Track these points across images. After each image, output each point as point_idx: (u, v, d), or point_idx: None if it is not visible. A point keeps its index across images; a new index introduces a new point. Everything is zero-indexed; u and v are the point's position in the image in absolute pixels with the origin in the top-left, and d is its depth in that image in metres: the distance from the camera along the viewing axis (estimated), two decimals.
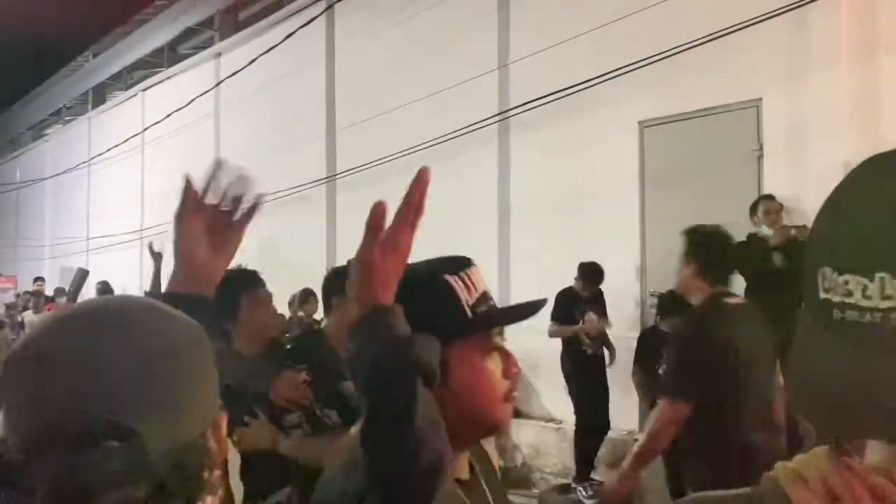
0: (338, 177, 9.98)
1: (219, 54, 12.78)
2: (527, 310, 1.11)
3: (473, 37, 8.05)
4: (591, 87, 6.48)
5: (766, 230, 5.36)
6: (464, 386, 1.03)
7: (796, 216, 5.45)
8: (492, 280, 6.93)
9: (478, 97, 7.82)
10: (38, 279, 13.83)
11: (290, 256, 10.74)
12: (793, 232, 5.20)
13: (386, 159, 8.77)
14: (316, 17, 9.68)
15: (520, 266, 7.65)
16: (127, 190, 15.35)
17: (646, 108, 6.47)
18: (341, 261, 10.01)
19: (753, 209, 5.47)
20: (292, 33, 9.49)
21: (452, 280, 1.07)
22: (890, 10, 5.12)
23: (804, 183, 5.50)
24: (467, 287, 1.07)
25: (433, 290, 1.06)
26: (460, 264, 1.10)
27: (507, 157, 7.84)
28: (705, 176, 6.05)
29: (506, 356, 1.09)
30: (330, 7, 9.88)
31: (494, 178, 7.88)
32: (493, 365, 1.07)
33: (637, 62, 6.06)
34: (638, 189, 6.56)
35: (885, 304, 0.61)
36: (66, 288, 12.78)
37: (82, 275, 12.34)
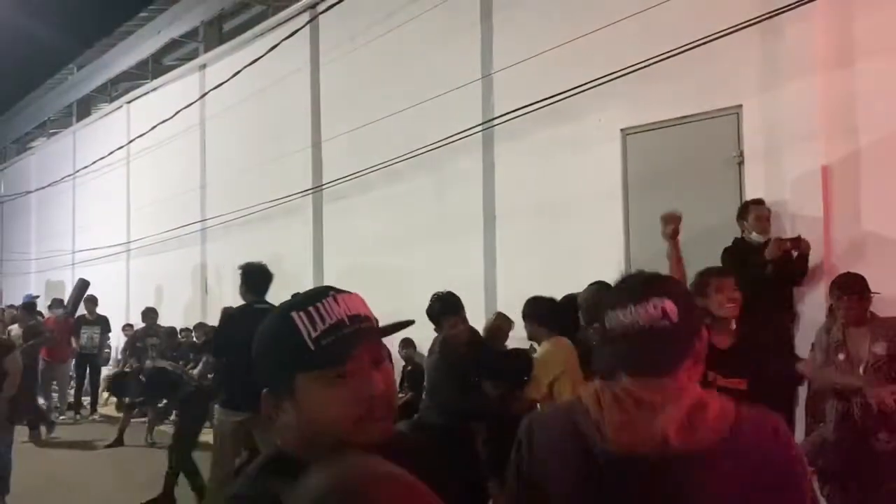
0: (324, 187, 10.00)
1: (203, 66, 12.79)
2: (382, 331, 1.20)
3: (457, 47, 8.12)
4: (573, 95, 6.55)
5: (755, 236, 5.39)
6: (309, 413, 1.11)
7: (776, 221, 5.53)
8: (478, 288, 6.99)
9: (462, 107, 7.88)
10: (32, 296, 13.77)
11: (276, 267, 10.74)
12: (787, 245, 5.24)
13: (372, 169, 8.81)
14: (300, 29, 9.72)
15: (505, 273, 7.70)
16: (113, 202, 15.30)
17: (628, 115, 6.54)
18: (328, 271, 10.04)
19: (742, 214, 5.50)
20: (277, 45, 9.53)
21: (296, 315, 1.13)
22: (863, 19, 5.22)
23: (783, 188, 5.59)
24: (312, 320, 1.12)
25: (277, 328, 1.15)
26: (313, 297, 1.16)
27: (492, 166, 7.89)
28: (687, 182, 6.13)
29: (360, 380, 1.12)
30: (314, 19, 9.93)
31: (479, 187, 7.92)
32: (343, 391, 1.10)
33: (619, 71, 6.14)
34: (621, 196, 6.63)
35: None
36: (65, 300, 12.72)
37: (81, 285, 12.27)
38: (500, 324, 5.32)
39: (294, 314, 1.13)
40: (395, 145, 8.44)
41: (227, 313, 6.16)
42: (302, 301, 1.16)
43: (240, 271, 5.69)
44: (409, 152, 8.24)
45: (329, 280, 10.03)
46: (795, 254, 5.27)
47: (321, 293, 1.16)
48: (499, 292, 7.70)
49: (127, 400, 7.76)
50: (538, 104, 6.85)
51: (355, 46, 9.42)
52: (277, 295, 10.30)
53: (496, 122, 7.59)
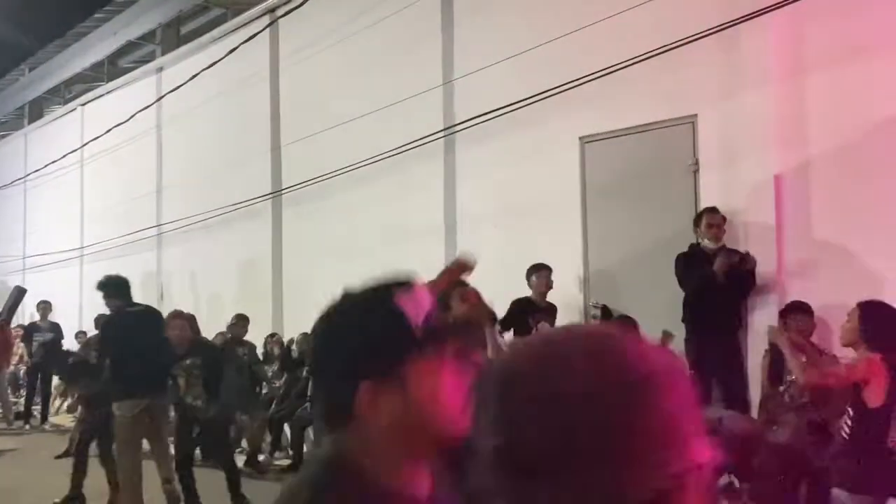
0: (284, 192, 9.91)
1: (161, 69, 12.60)
2: (463, 327, 1.21)
3: (419, 53, 8.13)
4: (534, 103, 6.60)
5: (707, 242, 5.50)
6: (420, 403, 1.07)
7: (731, 229, 5.63)
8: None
9: (424, 112, 7.88)
10: None
11: (236, 272, 10.61)
12: (735, 259, 5.36)
13: (332, 174, 8.76)
14: (259, 32, 9.64)
15: (467, 280, 7.69)
16: (66, 207, 14.96)
17: (586, 123, 6.61)
18: (288, 276, 9.94)
19: (697, 222, 5.62)
20: (236, 48, 9.43)
21: (404, 300, 1.11)
22: (815, 32, 5.35)
23: (738, 196, 5.70)
24: (417, 305, 1.11)
25: (384, 314, 1.10)
26: (408, 284, 1.14)
27: (453, 172, 7.90)
28: (644, 189, 6.21)
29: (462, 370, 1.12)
30: (274, 22, 9.85)
31: (441, 193, 7.93)
32: (448, 378, 1.10)
33: (578, 79, 6.20)
34: (580, 202, 6.69)
35: None
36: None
37: (17, 293, 11.93)
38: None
39: (399, 299, 1.11)
40: (357, 150, 8.40)
41: (106, 319, 6.57)
42: (399, 287, 1.14)
43: (101, 286, 6.02)
44: (370, 157, 8.21)
45: (289, 286, 9.94)
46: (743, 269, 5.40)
47: (408, 280, 1.16)
48: None
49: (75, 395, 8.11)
50: (499, 111, 6.88)
51: (316, 51, 9.37)
52: (234, 299, 10.20)
53: (458, 128, 7.61)
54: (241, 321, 8.74)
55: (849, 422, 3.76)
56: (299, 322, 9.11)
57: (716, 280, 5.30)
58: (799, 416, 4.77)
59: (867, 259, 4.99)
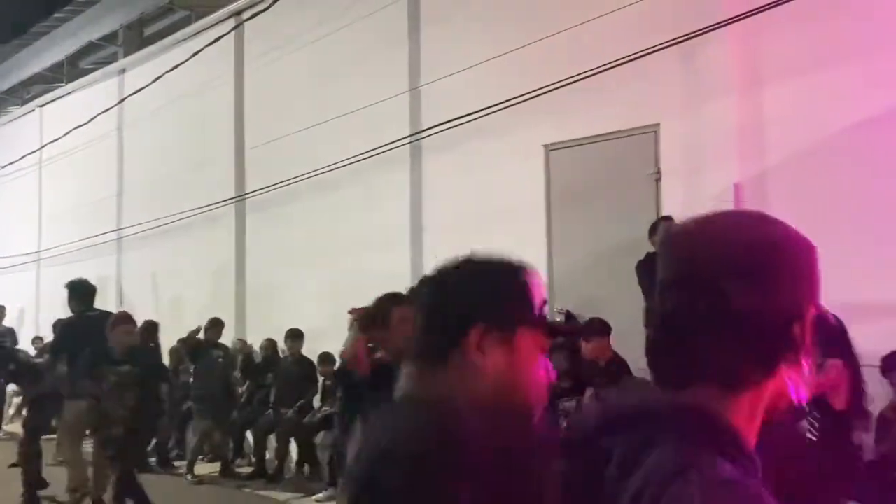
0: (247, 196, 9.82)
1: (123, 70, 12.41)
2: (579, 329, 1.29)
3: (385, 59, 8.12)
4: (500, 110, 6.64)
5: None
6: (519, 367, 1.13)
7: None
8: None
9: (390, 119, 7.88)
10: None
11: (199, 277, 10.47)
12: None
13: (296, 179, 8.71)
14: (224, 36, 9.55)
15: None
16: (23, 209, 14.62)
17: (551, 131, 6.67)
18: (252, 281, 9.84)
19: (653, 230, 5.70)
20: (200, 51, 9.33)
21: (532, 279, 1.20)
22: (774, 44, 5.47)
23: (699, 204, 5.79)
24: (538, 290, 1.20)
25: (520, 278, 1.18)
26: (531, 269, 1.23)
27: (419, 179, 7.91)
28: (607, 197, 6.28)
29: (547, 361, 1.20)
30: (239, 26, 9.77)
31: (407, 199, 7.93)
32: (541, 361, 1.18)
33: (543, 87, 6.25)
34: (544, 209, 6.74)
35: None
36: None
37: None
38: None
39: (528, 275, 1.19)
40: (322, 155, 8.36)
41: (64, 322, 6.93)
42: (526, 267, 1.22)
43: (67, 288, 6.54)
44: (336, 163, 8.18)
45: (253, 292, 9.84)
46: None
47: (530, 267, 1.23)
48: None
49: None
50: (465, 118, 6.91)
51: (281, 55, 9.31)
52: (196, 305, 10.07)
53: (423, 135, 7.62)
54: (215, 325, 8.60)
55: (816, 424, 3.84)
56: (263, 328, 9.03)
57: None
58: None
59: (824, 266, 5.10)
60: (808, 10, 5.02)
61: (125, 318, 6.06)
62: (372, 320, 3.43)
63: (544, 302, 1.19)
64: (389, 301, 3.38)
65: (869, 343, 4.17)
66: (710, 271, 0.90)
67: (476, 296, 1.15)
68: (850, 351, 3.84)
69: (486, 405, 1.08)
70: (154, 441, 8.23)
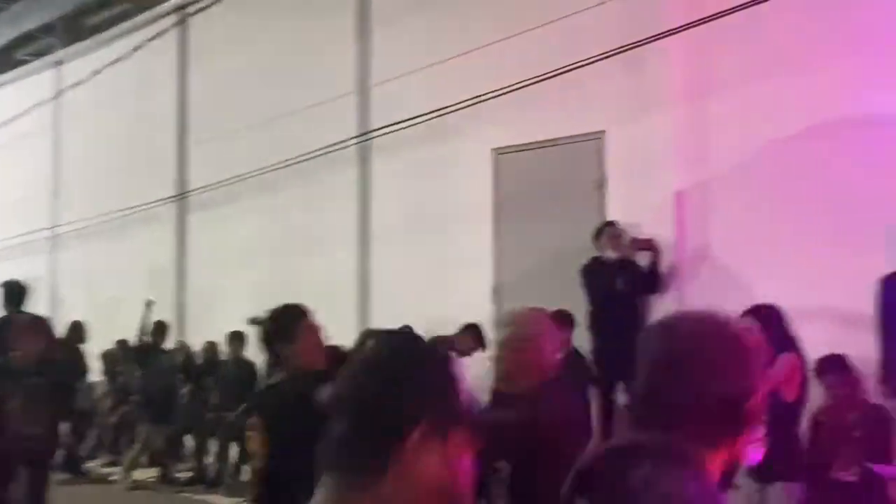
0: (189, 194, 9.61)
1: (60, 62, 12.00)
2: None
3: (334, 59, 8.05)
4: (448, 113, 6.65)
5: (610, 253, 5.71)
6: (455, 469, 1.02)
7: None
8: (351, 304, 6.88)
9: (338, 119, 7.81)
10: None
11: (138, 278, 10.19)
12: (643, 243, 5.61)
13: (240, 178, 8.55)
14: (167, 30, 9.33)
15: (379, 289, 7.67)
16: None
17: (500, 136, 6.71)
18: (192, 282, 9.62)
19: (598, 234, 5.81)
20: (141, 45, 9.09)
21: (454, 365, 1.06)
22: (715, 56, 5.62)
23: (641, 211, 5.91)
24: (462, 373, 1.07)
25: (453, 369, 1.05)
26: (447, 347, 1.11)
27: (367, 181, 7.86)
28: (554, 202, 6.35)
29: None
30: (182, 21, 9.56)
31: (354, 201, 7.87)
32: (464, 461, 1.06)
33: (493, 91, 6.29)
34: (492, 213, 6.77)
35: None
36: None
37: None
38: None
39: (453, 362, 1.07)
40: (269, 155, 8.23)
41: None
42: (441, 346, 1.13)
43: (3, 285, 5.95)
44: (282, 162, 8.06)
45: (194, 293, 9.62)
46: (649, 256, 5.64)
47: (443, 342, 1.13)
48: (372, 308, 7.66)
49: None
50: (413, 120, 6.90)
51: (227, 51, 9.14)
52: (135, 307, 9.81)
53: (372, 136, 7.58)
54: (160, 328, 8.43)
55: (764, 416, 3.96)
56: (204, 331, 8.84)
57: (616, 287, 5.53)
58: None
59: (761, 273, 5.26)
60: (749, 26, 5.17)
61: (30, 325, 5.44)
62: (274, 333, 3.00)
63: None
64: (292, 313, 3.02)
65: (805, 346, 4.32)
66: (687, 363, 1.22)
67: (423, 387, 1.00)
68: (797, 345, 4.01)
69: None
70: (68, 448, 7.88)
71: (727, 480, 1.49)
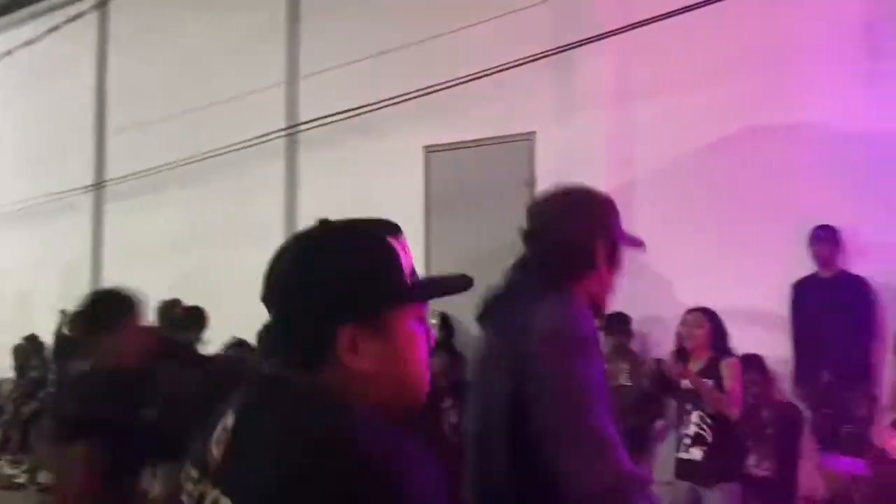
0: (107, 184, 9.23)
1: None
2: (459, 283, 1.11)
3: (262, 48, 7.86)
4: (379, 109, 6.58)
5: None
6: (401, 354, 0.99)
7: None
8: None
9: (266, 110, 7.63)
10: None
11: (50, 270, 9.73)
12: None
13: (162, 168, 8.26)
14: (85, 12, 8.93)
15: None
16: None
17: (432, 133, 6.69)
18: (109, 276, 9.23)
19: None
20: (56, 27, 8.67)
21: (396, 244, 1.01)
22: (643, 62, 5.75)
23: None
24: (405, 253, 1.02)
25: (380, 252, 1.00)
26: (396, 229, 1.04)
27: (295, 174, 7.72)
28: (485, 202, 6.37)
29: (426, 328, 1.06)
30: (103, 4, 9.16)
31: (281, 195, 7.72)
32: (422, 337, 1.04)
33: (425, 88, 6.25)
34: (423, 211, 6.75)
35: None
36: None
37: None
38: None
39: (391, 240, 1.00)
40: (192, 145, 7.98)
41: None
42: (389, 229, 1.03)
43: None
44: (206, 152, 7.83)
45: (110, 286, 9.24)
46: None
47: (395, 226, 1.04)
48: None
49: None
50: (343, 114, 6.80)
51: (151, 37, 8.81)
52: (47, 300, 9.37)
53: (301, 129, 7.44)
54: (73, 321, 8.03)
55: (709, 421, 4.05)
56: None
57: None
58: (620, 421, 5.06)
59: (682, 275, 5.41)
60: (674, 34, 5.29)
61: None
62: (94, 323, 2.70)
63: (413, 267, 1.03)
64: (117, 303, 2.74)
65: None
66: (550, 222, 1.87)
67: (342, 288, 0.95)
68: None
69: (374, 409, 0.95)
70: None
71: (596, 308, 1.78)
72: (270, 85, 7.66)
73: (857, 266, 4.92)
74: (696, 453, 4.08)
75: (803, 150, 5.14)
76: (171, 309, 6.39)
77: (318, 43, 7.55)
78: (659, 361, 4.82)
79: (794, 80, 5.17)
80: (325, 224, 1.01)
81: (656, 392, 4.88)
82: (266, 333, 0.96)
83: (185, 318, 6.21)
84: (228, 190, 8.03)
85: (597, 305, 1.78)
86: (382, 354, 0.97)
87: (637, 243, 1.93)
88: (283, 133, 7.57)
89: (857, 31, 5.01)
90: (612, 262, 1.81)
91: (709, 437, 4.05)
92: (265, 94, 7.65)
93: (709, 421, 4.06)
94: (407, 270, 1.01)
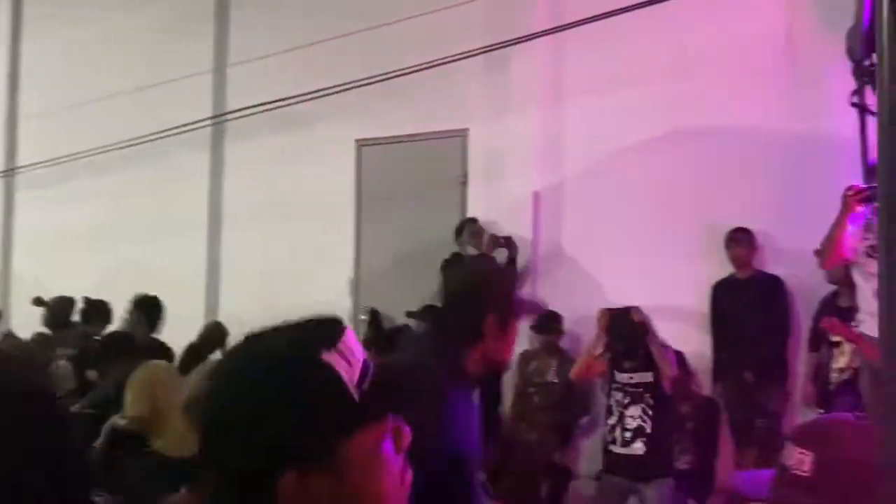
0: (17, 171, 8.79)
1: None
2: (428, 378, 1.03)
3: (189, 34, 7.61)
4: (310, 100, 6.46)
5: (471, 250, 5.78)
6: (359, 489, 0.83)
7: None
8: (199, 293, 6.55)
9: (191, 98, 7.39)
10: None
11: None
12: (501, 241, 5.71)
13: (79, 155, 7.90)
14: None
15: (229, 280, 7.35)
16: None
17: (364, 127, 6.62)
18: (19, 268, 8.78)
19: (459, 231, 5.87)
20: None
21: (332, 359, 0.84)
22: (574, 62, 5.83)
23: (501, 209, 6.03)
24: (349, 362, 0.85)
25: (313, 376, 0.83)
26: (333, 331, 0.87)
27: (221, 165, 7.52)
28: (417, 197, 6.35)
29: (400, 431, 0.88)
30: None
31: (206, 186, 7.50)
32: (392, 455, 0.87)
33: (357, 81, 6.17)
34: (354, 205, 6.67)
35: None
36: None
37: None
38: None
39: (326, 355, 0.83)
40: (112, 132, 7.65)
41: None
42: (324, 335, 0.85)
43: None
44: (126, 140, 7.52)
45: (20, 279, 8.80)
46: (507, 254, 5.76)
47: (334, 321, 0.89)
48: (221, 299, 7.34)
49: None
50: (272, 104, 6.64)
51: (69, 17, 8.40)
52: None
53: (227, 118, 7.24)
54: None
55: (650, 412, 4.13)
56: (33, 323, 8.09)
57: None
58: (548, 416, 5.16)
59: (609, 273, 5.52)
60: (602, 38, 5.38)
61: None
62: None
63: (365, 365, 0.86)
64: None
65: None
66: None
67: (271, 435, 0.81)
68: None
69: None
70: None
71: (491, 369, 2.09)
72: (197, 72, 7.42)
73: (772, 267, 5.13)
74: (638, 447, 4.15)
75: (725, 154, 5.31)
76: (63, 306, 6.25)
77: (249, 31, 7.36)
78: None
79: (718, 86, 5.34)
80: (250, 347, 0.87)
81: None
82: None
83: (86, 312, 6.05)
84: (151, 181, 7.75)
85: (491, 367, 2.08)
86: (336, 497, 0.82)
87: (535, 309, 2.41)
88: (209, 122, 7.35)
89: (779, 41, 5.21)
90: (505, 331, 2.06)
91: (649, 428, 4.13)
92: (191, 81, 7.40)
93: (650, 413, 4.15)
94: (352, 384, 0.84)
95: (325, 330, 0.87)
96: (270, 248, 7.00)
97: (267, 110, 6.68)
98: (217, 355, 4.98)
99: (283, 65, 6.80)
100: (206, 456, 0.85)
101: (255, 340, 0.87)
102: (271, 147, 7.07)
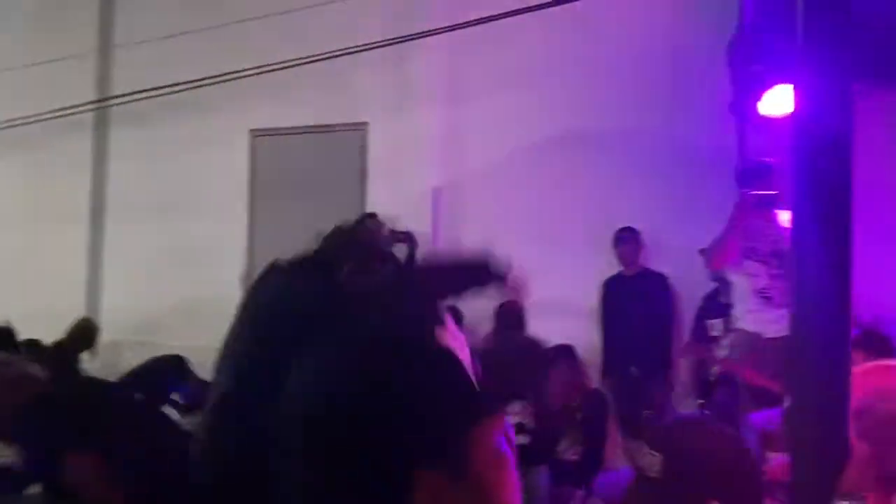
0: None
1: None
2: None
3: (72, 10, 7.18)
4: (202, 87, 6.22)
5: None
6: (488, 483, 0.66)
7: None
8: (79, 287, 6.22)
9: (72, 80, 6.97)
10: None
11: None
12: (400, 237, 5.67)
13: None
14: None
15: (113, 273, 7.00)
16: None
17: (259, 117, 6.45)
18: None
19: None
20: None
21: (445, 339, 0.68)
22: (473, 59, 5.90)
23: (400, 204, 6.01)
24: (459, 342, 0.70)
25: (439, 361, 0.67)
26: (434, 306, 0.71)
27: (105, 151, 7.14)
28: (315, 191, 6.24)
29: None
30: None
31: (88, 172, 7.11)
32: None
33: (253, 69, 6.00)
34: (247, 197, 6.50)
35: None
36: None
37: None
38: None
39: (440, 335, 0.67)
40: None
41: None
42: (430, 310, 0.69)
43: None
44: (2, 121, 7.02)
45: None
46: (406, 250, 5.75)
47: (426, 291, 0.73)
48: (104, 293, 6.97)
49: None
50: (162, 89, 6.35)
51: None
52: None
53: (112, 102, 6.87)
54: None
55: (530, 410, 4.23)
56: None
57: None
58: None
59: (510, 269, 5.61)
60: (499, 38, 5.47)
61: None
62: None
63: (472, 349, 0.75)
64: None
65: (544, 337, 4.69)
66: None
67: (398, 431, 0.66)
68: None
69: None
70: None
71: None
72: (79, 53, 7.01)
73: (657, 265, 5.37)
74: (522, 440, 4.24)
75: (613, 157, 5.52)
76: None
77: (137, 10, 7.01)
78: None
79: (606, 89, 5.54)
80: (346, 329, 0.67)
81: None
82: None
83: None
84: (27, 166, 7.27)
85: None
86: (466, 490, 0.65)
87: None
88: (92, 106, 6.96)
89: (663, 50, 5.44)
90: None
91: (531, 424, 4.23)
92: (72, 62, 6.98)
93: (530, 410, 4.25)
94: (469, 365, 0.69)
95: (429, 305, 0.70)
96: (158, 241, 6.71)
97: (156, 96, 6.39)
98: (86, 355, 4.73)
99: (175, 48, 6.51)
100: (308, 460, 0.65)
101: (350, 320, 0.67)
102: (161, 135, 6.77)
